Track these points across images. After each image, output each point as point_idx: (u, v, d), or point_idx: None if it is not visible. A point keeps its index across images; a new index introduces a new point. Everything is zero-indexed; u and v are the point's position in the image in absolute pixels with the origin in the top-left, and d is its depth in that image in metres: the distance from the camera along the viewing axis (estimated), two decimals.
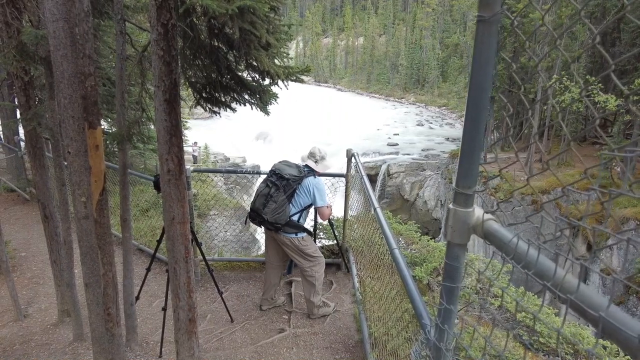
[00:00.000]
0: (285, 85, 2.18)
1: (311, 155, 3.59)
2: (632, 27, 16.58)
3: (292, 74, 2.11)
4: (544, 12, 0.89)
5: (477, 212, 1.02)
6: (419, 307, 1.48)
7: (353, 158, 4.06)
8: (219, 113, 2.71)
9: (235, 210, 11.80)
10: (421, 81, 57.79)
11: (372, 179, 26.99)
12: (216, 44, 2.35)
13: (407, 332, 2.47)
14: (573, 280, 0.72)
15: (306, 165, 3.55)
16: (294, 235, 3.44)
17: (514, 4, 16.00)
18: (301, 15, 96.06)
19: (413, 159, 27.72)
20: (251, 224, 3.60)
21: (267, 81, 2.34)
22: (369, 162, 27.70)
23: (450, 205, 1.04)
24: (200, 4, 1.69)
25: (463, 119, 0.94)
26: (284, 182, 3.34)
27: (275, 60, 2.13)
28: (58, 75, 2.01)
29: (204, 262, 3.82)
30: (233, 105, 2.66)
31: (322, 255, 3.63)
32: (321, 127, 35.38)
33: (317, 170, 3.56)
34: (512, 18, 0.86)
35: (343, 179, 4.35)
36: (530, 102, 18.66)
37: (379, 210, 2.54)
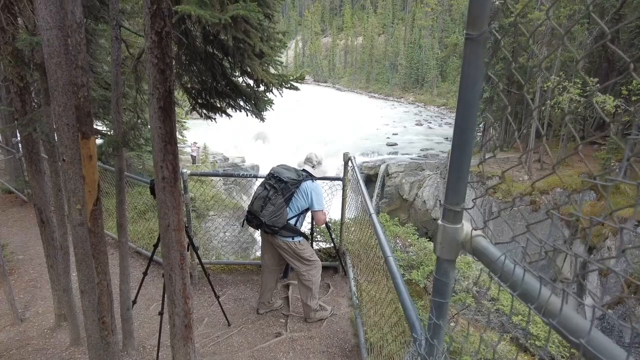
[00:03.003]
0: (280, 93, 2.18)
1: (308, 160, 3.60)
2: (630, 27, 16.59)
3: (287, 82, 2.11)
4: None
5: (466, 227, 1.02)
6: (412, 317, 1.48)
7: (350, 161, 4.06)
8: (214, 119, 2.71)
9: (234, 211, 11.79)
10: (420, 81, 57.81)
11: (372, 179, 27.00)
12: (211, 50, 2.35)
13: (403, 337, 2.48)
14: (557, 302, 0.72)
15: (304, 170, 3.56)
16: (290, 239, 3.44)
17: (512, 3, 16.01)
18: (300, 15, 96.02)
19: (412, 158, 27.73)
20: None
21: (262, 88, 2.34)
22: (368, 162, 27.70)
23: (439, 221, 1.04)
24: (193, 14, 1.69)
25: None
26: (282, 185, 3.35)
27: (270, 68, 2.13)
28: (52, 83, 2.01)
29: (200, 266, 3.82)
30: (228, 111, 2.67)
31: (318, 259, 3.63)
32: (320, 127, 35.39)
33: (315, 174, 3.57)
34: (500, 37, 0.86)
35: (340, 182, 4.35)
36: (528, 103, 18.64)
37: (374, 216, 2.55)
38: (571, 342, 0.63)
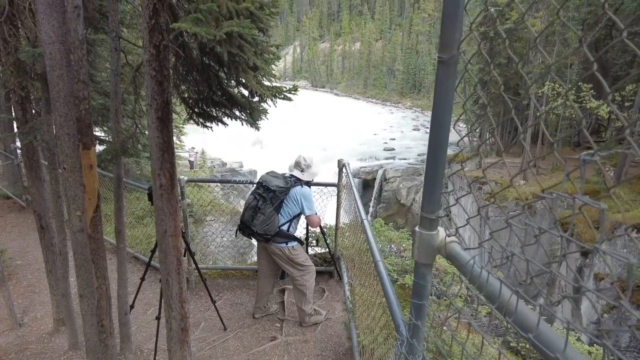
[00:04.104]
0: (274, 104, 2.27)
1: (297, 164, 3.61)
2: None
3: (280, 93, 2.19)
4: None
5: (441, 234, 1.10)
6: (397, 319, 1.56)
7: (344, 168, 4.15)
8: (210, 127, 2.79)
9: (232, 216, 11.83)
10: (417, 86, 58.20)
11: (369, 184, 27.10)
12: (207, 61, 2.43)
13: (394, 338, 2.54)
14: (514, 302, 0.80)
15: (292, 175, 3.61)
16: (284, 245, 3.50)
17: (507, 11, 16.22)
18: (298, 21, 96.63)
19: (409, 163, 27.88)
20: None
21: (256, 99, 2.43)
22: (365, 166, 27.82)
23: (417, 228, 1.12)
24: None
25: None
26: (271, 194, 3.41)
27: (264, 81, 2.22)
28: (54, 95, 2.09)
29: (197, 271, 3.88)
30: (224, 120, 2.75)
31: (312, 264, 3.70)
32: (318, 132, 35.54)
33: (304, 179, 3.57)
34: (467, 61, 0.95)
35: (335, 188, 4.43)
36: (524, 108, 18.88)
37: (365, 222, 2.63)
38: (523, 336, 0.71)
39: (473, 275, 0.94)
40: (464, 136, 0.97)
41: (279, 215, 3.44)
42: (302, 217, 3.69)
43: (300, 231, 4.20)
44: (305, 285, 3.60)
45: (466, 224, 0.99)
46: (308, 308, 3.73)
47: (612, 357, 0.53)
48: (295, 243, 3.56)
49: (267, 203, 3.39)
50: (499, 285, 0.84)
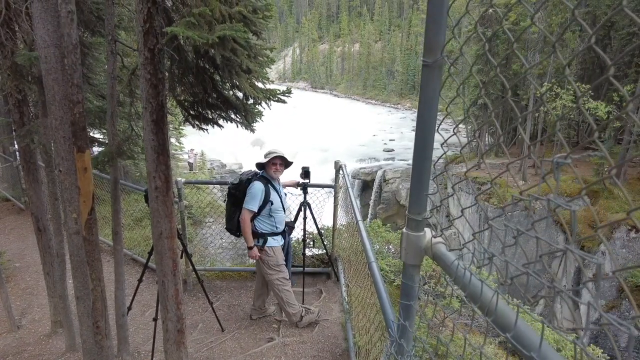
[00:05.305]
0: (268, 106, 2.28)
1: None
2: (622, 34, 16.86)
3: (274, 96, 2.21)
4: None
5: (428, 235, 1.12)
6: (389, 319, 1.57)
7: (341, 170, 4.16)
8: (206, 130, 2.81)
9: None
10: (417, 87, 58.15)
11: (369, 185, 27.11)
12: (202, 64, 2.45)
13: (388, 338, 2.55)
14: (494, 302, 0.81)
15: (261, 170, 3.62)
16: (256, 242, 3.53)
17: (504, 11, 16.26)
18: (297, 22, 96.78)
19: (409, 164, 27.83)
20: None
21: (251, 101, 2.45)
22: (365, 167, 27.83)
23: (404, 230, 1.13)
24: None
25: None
26: (229, 192, 3.58)
27: (258, 83, 2.23)
28: (49, 98, 2.11)
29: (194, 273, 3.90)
30: (220, 122, 2.76)
31: (281, 270, 3.61)
32: (317, 133, 35.57)
33: (266, 158, 3.52)
34: (450, 64, 0.96)
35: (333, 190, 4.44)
36: (522, 109, 18.93)
37: (360, 223, 2.64)
38: (502, 335, 0.73)
39: (457, 275, 0.95)
40: (448, 138, 0.99)
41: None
42: (282, 215, 3.64)
43: (298, 233, 4.20)
44: (278, 288, 3.59)
45: (450, 225, 1.01)
46: (292, 310, 3.70)
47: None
48: (261, 242, 3.52)
49: (227, 201, 3.59)
50: (480, 285, 0.85)
